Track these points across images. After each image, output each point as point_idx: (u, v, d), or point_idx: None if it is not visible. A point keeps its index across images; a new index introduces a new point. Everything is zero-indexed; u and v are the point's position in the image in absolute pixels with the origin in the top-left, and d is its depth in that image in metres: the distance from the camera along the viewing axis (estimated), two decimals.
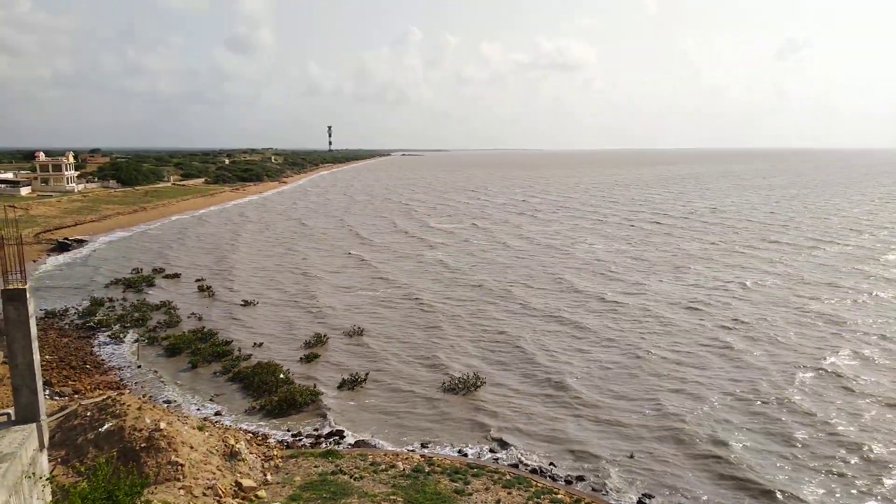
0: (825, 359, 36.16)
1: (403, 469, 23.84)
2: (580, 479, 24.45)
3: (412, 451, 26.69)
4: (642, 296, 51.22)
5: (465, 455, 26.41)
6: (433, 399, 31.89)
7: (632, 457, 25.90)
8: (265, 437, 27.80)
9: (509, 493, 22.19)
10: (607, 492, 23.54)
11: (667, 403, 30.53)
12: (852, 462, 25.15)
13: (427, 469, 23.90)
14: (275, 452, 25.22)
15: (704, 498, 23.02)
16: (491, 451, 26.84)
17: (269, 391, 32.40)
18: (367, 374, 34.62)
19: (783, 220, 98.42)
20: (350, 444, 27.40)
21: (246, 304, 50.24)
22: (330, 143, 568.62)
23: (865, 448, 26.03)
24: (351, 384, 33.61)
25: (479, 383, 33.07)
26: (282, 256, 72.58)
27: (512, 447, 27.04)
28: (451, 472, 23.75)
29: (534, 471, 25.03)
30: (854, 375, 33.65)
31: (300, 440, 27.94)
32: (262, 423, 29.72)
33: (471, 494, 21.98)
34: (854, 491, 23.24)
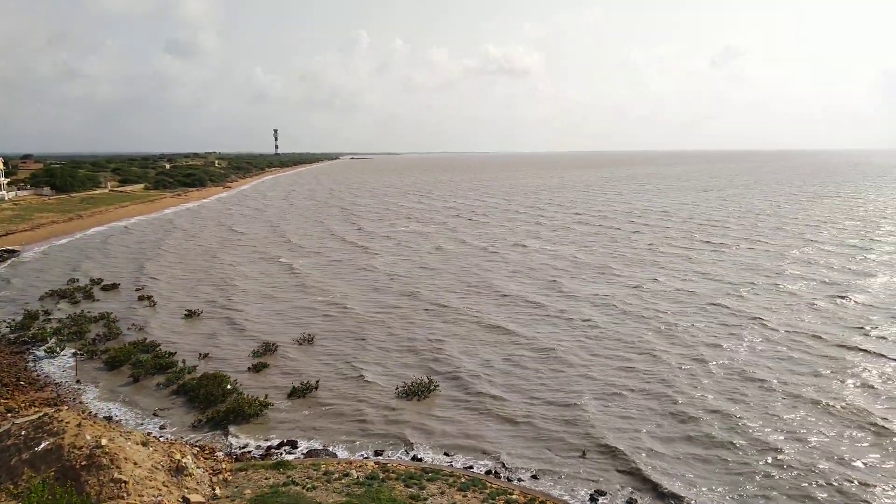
0: (741, 358, 37.50)
1: (357, 477, 23.56)
2: (534, 478, 24.70)
3: (366, 458, 26.42)
4: (572, 298, 51.86)
5: (420, 460, 26.30)
6: (387, 406, 31.64)
7: (583, 455, 26.30)
8: (213, 450, 27.02)
9: (465, 496, 22.19)
10: (561, 490, 23.83)
11: (602, 405, 31.18)
12: (766, 463, 26.13)
13: (381, 476, 23.68)
14: (223, 465, 24.54)
15: (654, 496, 23.55)
16: (446, 454, 26.80)
17: (216, 403, 31.54)
18: (317, 382, 34.10)
19: (717, 219, 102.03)
20: (302, 454, 26.91)
21: (190, 314, 48.83)
22: (276, 146, 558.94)
23: (778, 449, 26.63)
24: (302, 392, 33.04)
25: (432, 387, 33.00)
26: (218, 266, 70.91)
27: (465, 450, 27.09)
28: (406, 477, 23.60)
29: (489, 472, 25.14)
30: (768, 375, 34.80)
31: (249, 452, 27.28)
32: (209, 436, 28.90)
33: (426, 499, 21.89)
34: (774, 491, 24.15)
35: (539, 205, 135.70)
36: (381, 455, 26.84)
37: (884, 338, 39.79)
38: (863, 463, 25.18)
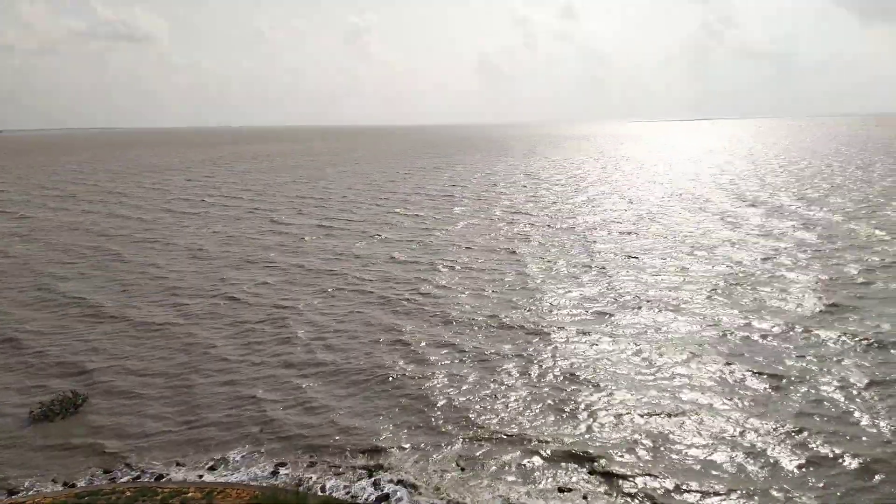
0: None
1: None
2: (212, 469, 23.87)
3: None
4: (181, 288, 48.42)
5: (74, 486, 23.08)
6: (21, 434, 26.73)
7: (261, 432, 26.28)
8: None
9: None
10: (241, 474, 23.48)
11: (249, 386, 31.80)
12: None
13: None
14: None
15: (331, 453, 24.86)
16: (106, 471, 24.00)
17: None
18: None
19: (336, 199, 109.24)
20: None
21: None
22: None
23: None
24: None
25: (79, 401, 28.99)
26: None
27: (132, 459, 24.72)
28: None
29: (160, 476, 23.41)
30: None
31: None
32: None
33: None
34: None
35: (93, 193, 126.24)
36: (16, 494, 22.70)
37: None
38: None
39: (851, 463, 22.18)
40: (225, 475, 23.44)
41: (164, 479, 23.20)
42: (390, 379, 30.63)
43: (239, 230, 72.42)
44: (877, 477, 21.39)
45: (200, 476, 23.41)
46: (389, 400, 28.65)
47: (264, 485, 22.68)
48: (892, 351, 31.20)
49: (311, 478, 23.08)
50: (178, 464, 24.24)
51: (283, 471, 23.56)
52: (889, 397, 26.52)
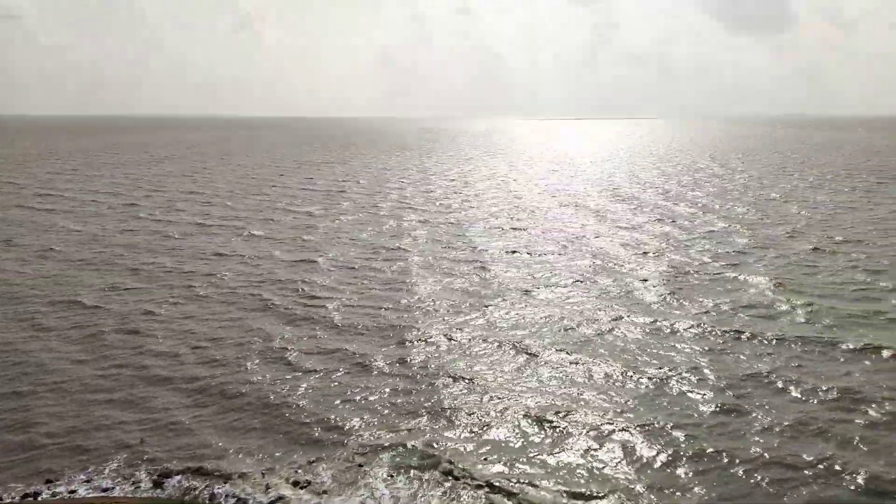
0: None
1: None
2: (87, 482, 22.76)
3: None
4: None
5: None
6: None
7: (142, 442, 25.34)
8: None
9: None
10: (122, 485, 22.69)
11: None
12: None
13: None
14: None
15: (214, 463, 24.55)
16: None
17: None
18: None
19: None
20: None
21: None
22: None
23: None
24: None
25: None
26: None
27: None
28: None
29: (26, 496, 22.06)
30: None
31: None
32: None
33: None
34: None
35: None
36: None
37: None
38: None
39: (710, 453, 24.07)
40: (101, 489, 22.33)
41: (30, 497, 21.87)
42: (266, 390, 29.71)
43: (103, 228, 67.24)
44: (720, 461, 23.35)
45: (72, 492, 22.24)
46: (267, 410, 27.89)
47: (145, 496, 22.05)
48: (734, 331, 34.80)
49: (197, 486, 22.49)
50: (49, 481, 22.80)
51: (166, 482, 22.79)
52: (740, 386, 28.88)
